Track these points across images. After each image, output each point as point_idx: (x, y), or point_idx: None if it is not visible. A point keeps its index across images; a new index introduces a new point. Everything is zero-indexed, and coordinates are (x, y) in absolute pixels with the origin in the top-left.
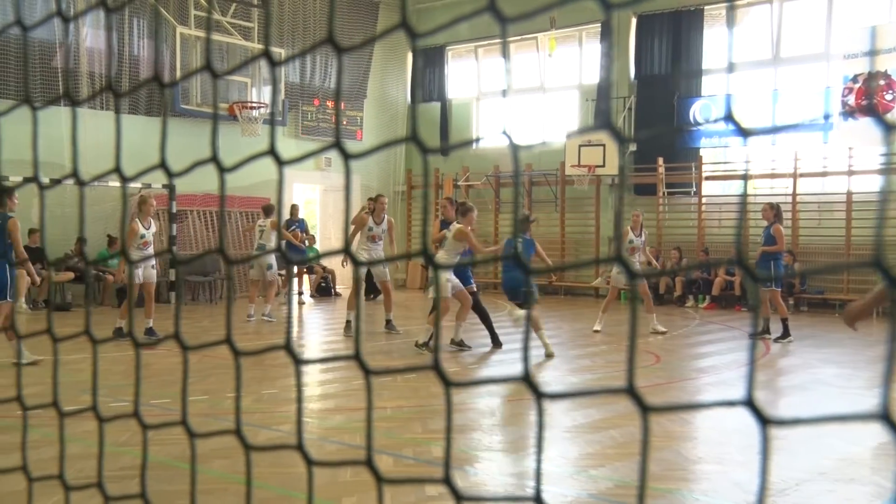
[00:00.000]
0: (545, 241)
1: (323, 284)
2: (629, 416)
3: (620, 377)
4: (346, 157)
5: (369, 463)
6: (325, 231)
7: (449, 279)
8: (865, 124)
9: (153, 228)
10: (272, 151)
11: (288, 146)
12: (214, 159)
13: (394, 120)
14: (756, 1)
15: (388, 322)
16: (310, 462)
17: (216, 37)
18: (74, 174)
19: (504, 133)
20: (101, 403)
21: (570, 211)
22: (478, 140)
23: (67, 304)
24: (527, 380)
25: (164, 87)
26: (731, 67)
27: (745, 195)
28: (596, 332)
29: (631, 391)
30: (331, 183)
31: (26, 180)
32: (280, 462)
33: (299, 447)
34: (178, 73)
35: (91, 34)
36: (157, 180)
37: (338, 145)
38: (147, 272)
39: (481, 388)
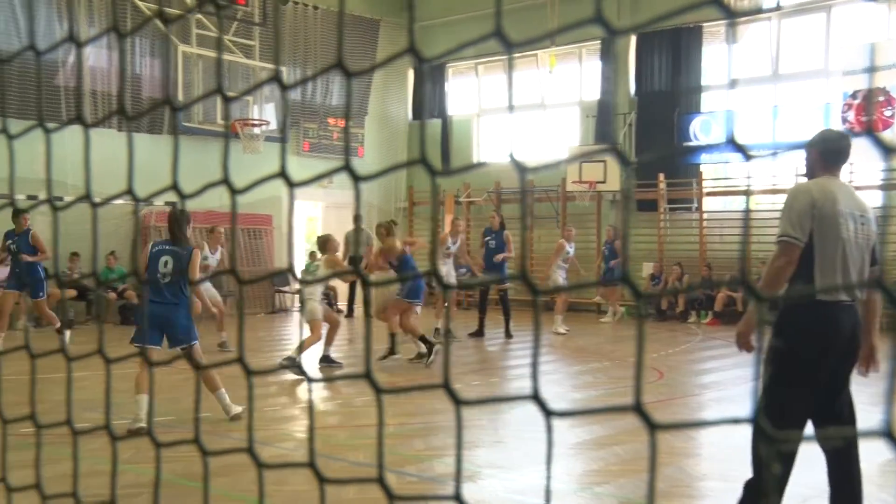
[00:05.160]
0: (545, 257)
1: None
2: (633, 433)
3: (624, 394)
4: (356, 179)
5: (380, 480)
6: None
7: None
8: (865, 141)
9: (218, 255)
10: (283, 174)
11: (290, 164)
12: (226, 181)
13: (395, 136)
14: (755, 18)
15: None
16: (322, 479)
17: (215, 54)
18: (87, 195)
19: (510, 157)
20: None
21: (572, 227)
22: (481, 164)
23: (70, 322)
24: (536, 398)
25: (175, 111)
26: (732, 84)
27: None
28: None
29: (638, 409)
30: (333, 200)
31: (39, 200)
32: (283, 480)
33: (311, 465)
34: (181, 91)
35: (93, 53)
36: (160, 198)
37: (347, 167)
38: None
39: (484, 405)
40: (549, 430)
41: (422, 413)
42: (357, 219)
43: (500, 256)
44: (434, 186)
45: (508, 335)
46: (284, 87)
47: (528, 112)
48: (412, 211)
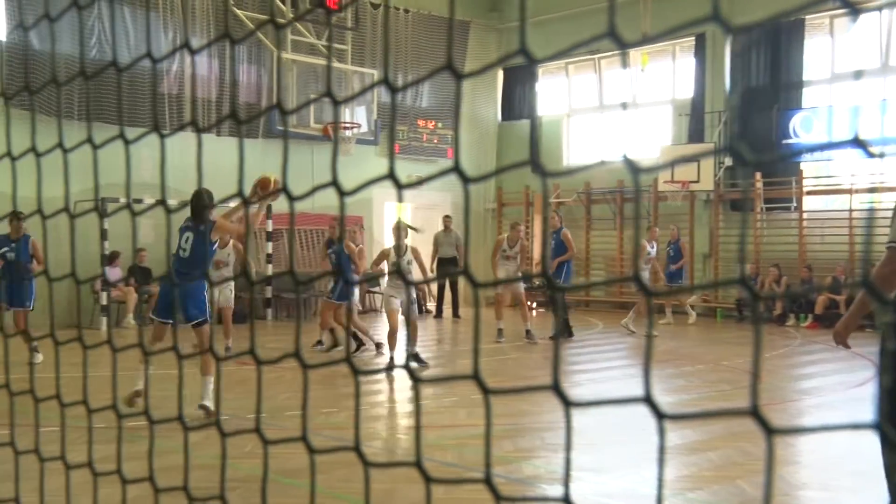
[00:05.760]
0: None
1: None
2: (726, 438)
3: (717, 398)
4: (466, 180)
5: (488, 481)
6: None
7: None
8: None
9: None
10: (391, 176)
11: (380, 165)
12: (335, 183)
13: (484, 138)
14: (864, 8)
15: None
16: (428, 479)
17: (311, 59)
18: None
19: (624, 157)
20: (200, 417)
21: (664, 227)
22: (598, 164)
23: None
24: (648, 400)
25: (284, 115)
26: (857, 75)
27: (872, 210)
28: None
29: (755, 412)
30: (422, 201)
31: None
32: (371, 478)
33: (417, 464)
34: (276, 97)
35: (197, 61)
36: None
37: (457, 169)
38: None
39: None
40: (662, 433)
41: (509, 414)
42: (447, 219)
43: (554, 263)
44: (546, 188)
45: (569, 334)
46: (394, 90)
47: (620, 111)
48: (500, 212)
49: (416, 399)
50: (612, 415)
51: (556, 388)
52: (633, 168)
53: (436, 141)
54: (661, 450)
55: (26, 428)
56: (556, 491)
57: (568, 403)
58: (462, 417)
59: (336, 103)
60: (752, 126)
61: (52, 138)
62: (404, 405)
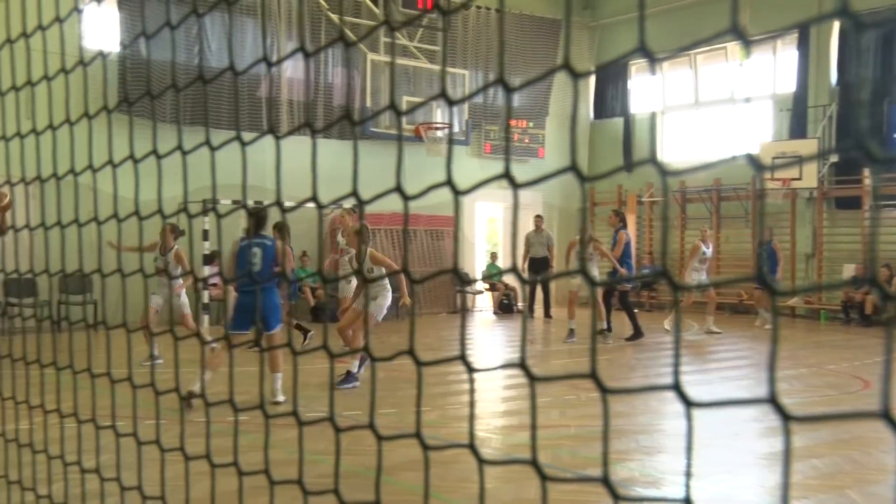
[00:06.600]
0: (734, 258)
1: (505, 301)
2: (833, 446)
3: (822, 403)
4: (583, 179)
5: (605, 480)
6: (506, 248)
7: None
8: None
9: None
10: (507, 175)
11: (472, 165)
12: (450, 183)
13: (576, 136)
14: None
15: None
16: (544, 478)
17: (405, 62)
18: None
19: (748, 156)
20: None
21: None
22: (708, 165)
23: None
24: (773, 402)
25: (400, 115)
26: None
27: None
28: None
29: (886, 415)
30: (513, 201)
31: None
32: (466, 478)
33: (533, 462)
34: (369, 98)
35: (290, 65)
36: (348, 200)
37: (574, 168)
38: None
39: (667, 408)
40: (787, 433)
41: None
42: (538, 219)
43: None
44: (665, 185)
45: (639, 335)
46: (510, 90)
47: (717, 107)
48: (593, 211)
49: (533, 398)
50: (705, 419)
51: (677, 388)
52: (757, 166)
53: (527, 140)
54: (787, 452)
55: (146, 421)
56: (650, 494)
57: (689, 404)
58: (555, 418)
59: (451, 104)
60: (860, 120)
61: (149, 143)
62: (497, 405)
